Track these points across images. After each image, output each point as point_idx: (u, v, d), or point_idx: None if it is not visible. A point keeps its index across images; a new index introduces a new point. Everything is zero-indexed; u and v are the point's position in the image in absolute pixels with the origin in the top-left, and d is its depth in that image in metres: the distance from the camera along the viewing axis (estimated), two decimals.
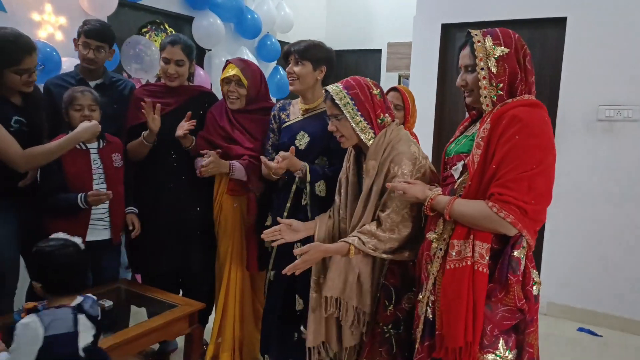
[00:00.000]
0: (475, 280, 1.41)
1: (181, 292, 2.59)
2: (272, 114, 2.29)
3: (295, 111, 2.22)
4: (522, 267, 1.44)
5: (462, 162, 1.53)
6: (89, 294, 1.67)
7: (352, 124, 1.73)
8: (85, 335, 1.55)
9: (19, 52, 1.94)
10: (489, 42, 1.47)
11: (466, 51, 1.52)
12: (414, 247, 1.72)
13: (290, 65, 2.12)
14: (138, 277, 2.66)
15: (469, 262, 1.42)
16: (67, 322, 1.51)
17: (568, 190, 3.37)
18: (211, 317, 2.60)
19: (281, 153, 1.99)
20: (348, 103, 1.73)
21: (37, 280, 1.59)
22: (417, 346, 1.59)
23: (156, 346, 2.61)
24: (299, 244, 1.98)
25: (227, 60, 2.36)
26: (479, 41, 1.48)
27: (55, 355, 1.47)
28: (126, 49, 3.43)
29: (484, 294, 1.42)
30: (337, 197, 1.91)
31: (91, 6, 3.19)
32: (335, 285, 1.75)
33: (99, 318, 1.63)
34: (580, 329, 3.28)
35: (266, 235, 1.85)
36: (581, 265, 3.38)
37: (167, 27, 4.00)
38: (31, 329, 1.45)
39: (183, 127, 2.28)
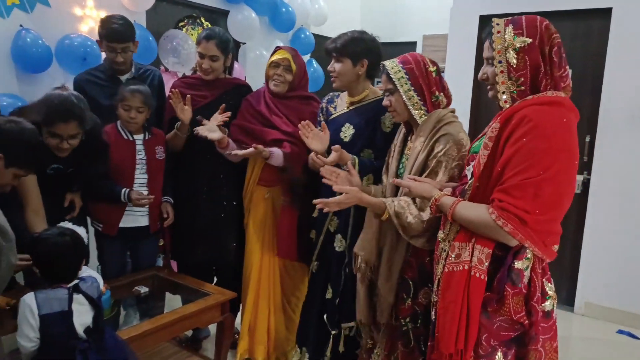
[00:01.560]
0: (471, 286, 1.33)
1: (215, 282, 2.64)
2: (321, 106, 2.31)
3: (342, 104, 2.23)
4: (524, 280, 1.33)
5: (474, 162, 1.47)
6: (91, 274, 1.69)
7: (405, 98, 1.73)
8: (82, 314, 1.56)
9: (54, 115, 1.91)
10: (509, 32, 1.35)
11: (487, 42, 1.42)
12: (432, 238, 1.69)
13: (331, 63, 2.12)
14: (174, 264, 2.72)
15: (465, 267, 1.35)
16: (62, 302, 1.53)
17: (609, 188, 3.25)
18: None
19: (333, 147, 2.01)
20: (402, 77, 1.73)
21: (35, 266, 1.62)
22: (429, 344, 1.56)
23: (190, 332, 2.68)
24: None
25: (277, 47, 2.40)
26: (499, 31, 1.37)
27: (53, 334, 1.50)
28: (164, 43, 3.51)
29: (479, 301, 1.33)
30: (384, 177, 1.91)
31: (130, 1, 3.27)
32: (361, 245, 1.78)
33: (98, 298, 1.63)
34: (620, 332, 3.18)
35: (325, 171, 1.81)
36: (622, 265, 3.25)
37: (203, 21, 4.06)
38: (26, 305, 1.50)
39: (217, 119, 2.32)
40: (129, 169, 2.26)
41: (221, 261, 2.59)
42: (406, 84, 1.73)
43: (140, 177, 2.29)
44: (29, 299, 1.51)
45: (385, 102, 1.82)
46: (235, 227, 2.54)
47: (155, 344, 2.09)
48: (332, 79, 2.14)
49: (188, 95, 2.33)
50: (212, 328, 2.42)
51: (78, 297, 1.56)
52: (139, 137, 2.30)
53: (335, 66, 2.10)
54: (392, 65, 1.76)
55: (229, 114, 2.32)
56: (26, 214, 1.95)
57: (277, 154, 2.26)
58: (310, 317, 2.27)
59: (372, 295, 1.87)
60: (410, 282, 1.74)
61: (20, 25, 2.75)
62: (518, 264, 1.32)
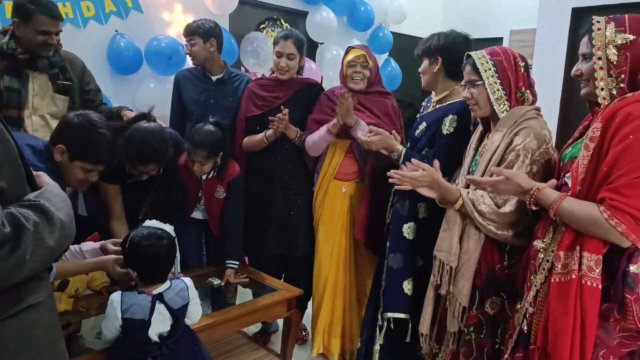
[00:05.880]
0: (583, 296, 1.28)
1: (283, 277, 2.70)
2: (422, 104, 2.34)
3: (432, 103, 2.23)
4: None
5: (573, 166, 1.39)
6: (182, 278, 1.73)
7: (489, 91, 1.66)
8: (160, 324, 1.58)
9: (134, 158, 1.97)
10: (610, 29, 1.33)
11: (585, 38, 1.39)
12: (517, 232, 1.61)
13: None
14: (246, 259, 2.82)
15: (574, 276, 1.29)
16: (144, 310, 1.56)
17: None
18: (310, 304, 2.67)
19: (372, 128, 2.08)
20: (489, 69, 1.67)
21: (132, 268, 1.67)
22: (506, 357, 1.49)
23: (259, 326, 2.75)
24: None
25: (349, 47, 2.43)
26: (599, 28, 1.35)
27: (132, 336, 1.57)
28: (245, 45, 3.63)
29: (595, 311, 1.27)
30: (459, 179, 1.85)
31: (215, 5, 3.43)
32: (440, 245, 1.74)
33: (184, 306, 1.65)
34: None
35: (393, 174, 1.77)
36: None
37: (283, 22, 4.15)
38: (112, 306, 1.57)
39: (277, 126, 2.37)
40: (192, 201, 2.36)
41: (290, 257, 2.63)
42: (493, 76, 1.65)
43: (201, 212, 2.41)
44: (117, 300, 1.58)
45: (466, 94, 1.75)
46: (305, 223, 2.59)
47: (224, 335, 2.17)
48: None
49: (286, 110, 2.36)
50: (281, 323, 2.46)
51: (160, 307, 1.59)
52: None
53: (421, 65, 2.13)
54: (479, 56, 1.69)
55: (286, 111, 2.36)
56: (111, 221, 2.11)
57: (363, 124, 2.29)
58: (370, 308, 2.28)
59: (438, 303, 1.82)
60: (476, 290, 1.66)
61: (116, 31, 2.98)
62: (633, 268, 1.27)
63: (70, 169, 1.65)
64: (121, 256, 1.74)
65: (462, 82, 1.76)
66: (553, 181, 1.46)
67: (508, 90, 1.65)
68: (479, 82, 1.68)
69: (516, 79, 1.66)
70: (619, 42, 1.32)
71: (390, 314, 2.09)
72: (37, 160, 1.57)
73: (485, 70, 1.66)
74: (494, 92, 1.65)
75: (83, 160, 1.65)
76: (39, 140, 1.71)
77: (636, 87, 1.32)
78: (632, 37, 1.31)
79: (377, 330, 2.16)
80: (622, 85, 1.32)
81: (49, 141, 1.67)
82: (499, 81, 1.65)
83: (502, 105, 1.66)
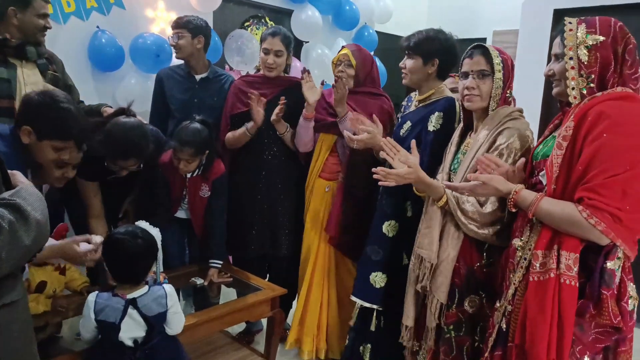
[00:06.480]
0: (562, 295, 1.30)
1: (267, 277, 2.68)
2: (402, 104, 2.33)
3: (414, 102, 2.24)
4: (616, 280, 1.31)
5: (547, 164, 1.41)
6: (163, 285, 1.68)
7: (494, 85, 1.68)
8: (133, 329, 1.55)
9: (114, 152, 1.94)
10: (581, 31, 1.37)
11: (558, 39, 1.43)
12: (497, 230, 1.62)
13: (403, 59, 2.12)
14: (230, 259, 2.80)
15: (552, 275, 1.31)
16: (116, 313, 1.53)
17: None
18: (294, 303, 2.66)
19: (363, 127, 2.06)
20: (499, 63, 1.69)
21: (106, 265, 1.63)
22: (486, 355, 1.51)
23: (243, 325, 2.74)
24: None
25: (342, 46, 2.43)
26: (571, 29, 1.39)
27: (107, 337, 1.55)
28: (229, 43, 3.60)
29: (572, 310, 1.30)
30: (439, 175, 1.86)
31: (199, 2, 3.40)
32: (421, 242, 1.75)
33: (160, 314, 1.61)
34: None
35: (386, 143, 1.79)
36: None
37: (267, 20, 4.14)
38: (87, 306, 1.54)
39: (275, 112, 2.37)
40: (175, 200, 2.35)
41: (275, 256, 2.62)
42: (500, 71, 1.69)
43: (184, 211, 2.39)
44: (91, 301, 1.55)
45: (470, 83, 1.71)
46: (291, 223, 2.58)
47: (207, 334, 2.15)
48: (402, 75, 2.13)
49: (263, 99, 2.38)
50: (265, 322, 2.45)
51: (132, 313, 1.56)
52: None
53: (406, 62, 2.09)
54: (491, 49, 1.72)
55: (283, 100, 2.36)
56: (89, 219, 2.07)
57: (350, 115, 2.27)
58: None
59: (419, 298, 1.84)
60: (455, 288, 1.68)
61: (97, 27, 2.94)
62: (610, 264, 1.30)
63: (41, 150, 1.56)
64: (79, 236, 1.70)
65: (464, 71, 1.74)
66: (523, 160, 1.50)
67: (503, 88, 1.70)
68: (489, 74, 1.69)
69: (510, 80, 1.71)
70: (590, 43, 1.35)
71: (353, 298, 2.13)
72: (4, 145, 1.49)
73: (497, 64, 1.69)
74: (497, 87, 1.69)
75: (51, 138, 1.56)
76: (4, 125, 1.63)
77: (605, 87, 1.35)
78: (602, 38, 1.35)
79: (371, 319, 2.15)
80: (592, 85, 1.35)
81: (14, 124, 1.59)
82: (502, 78, 1.69)
83: (495, 103, 1.70)
